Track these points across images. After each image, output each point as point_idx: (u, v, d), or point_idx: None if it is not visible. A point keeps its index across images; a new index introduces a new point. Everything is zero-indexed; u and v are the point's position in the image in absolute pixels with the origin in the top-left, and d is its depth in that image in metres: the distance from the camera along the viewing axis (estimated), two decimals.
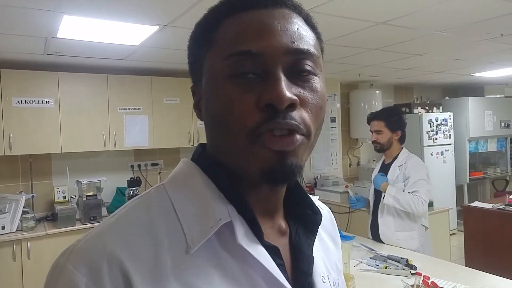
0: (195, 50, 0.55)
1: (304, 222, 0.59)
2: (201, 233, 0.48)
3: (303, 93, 0.49)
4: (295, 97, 0.46)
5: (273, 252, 0.51)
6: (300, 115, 0.48)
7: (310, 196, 0.62)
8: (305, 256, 0.56)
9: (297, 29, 0.50)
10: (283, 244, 0.55)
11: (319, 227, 0.59)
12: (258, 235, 0.50)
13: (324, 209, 0.68)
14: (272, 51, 0.47)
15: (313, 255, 0.57)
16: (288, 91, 0.46)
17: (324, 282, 0.57)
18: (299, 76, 0.49)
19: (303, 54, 0.49)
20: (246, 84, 0.47)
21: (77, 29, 2.63)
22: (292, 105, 0.46)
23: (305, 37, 0.50)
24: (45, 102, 3.57)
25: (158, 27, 2.65)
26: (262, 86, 0.47)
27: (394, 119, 2.58)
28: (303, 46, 0.49)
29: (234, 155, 0.50)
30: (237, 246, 0.48)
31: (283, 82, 0.46)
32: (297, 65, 0.49)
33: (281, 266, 0.51)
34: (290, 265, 0.55)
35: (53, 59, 3.44)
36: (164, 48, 3.26)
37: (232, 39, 0.49)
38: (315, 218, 0.59)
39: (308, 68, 0.50)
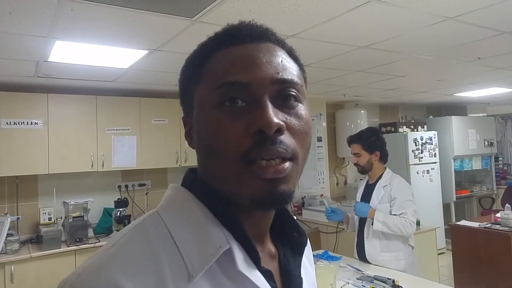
0: (186, 83, 0.58)
1: (291, 244, 0.61)
2: (201, 261, 0.48)
3: (289, 119, 0.52)
4: (282, 123, 0.49)
5: (267, 276, 0.53)
6: (287, 140, 0.50)
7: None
8: (294, 278, 0.59)
9: (281, 61, 0.54)
10: (274, 267, 0.57)
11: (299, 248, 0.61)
12: (255, 260, 0.52)
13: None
14: (259, 81, 0.51)
15: (301, 276, 0.60)
16: (275, 117, 0.49)
17: None
18: (285, 104, 0.52)
19: (288, 83, 0.53)
20: (235, 112, 0.50)
21: (68, 53, 2.66)
22: (279, 130, 0.49)
23: (288, 68, 0.54)
24: (33, 123, 3.57)
25: (147, 51, 2.71)
26: (251, 113, 0.50)
27: (371, 141, 2.61)
28: (287, 76, 0.53)
29: (225, 180, 0.51)
30: (237, 271, 0.49)
31: (270, 109, 0.50)
32: (282, 93, 0.52)
33: None
34: (281, 287, 0.57)
35: (43, 81, 3.47)
36: (153, 71, 3.31)
37: (221, 71, 0.52)
38: (301, 239, 0.61)
39: (293, 93, 0.53)
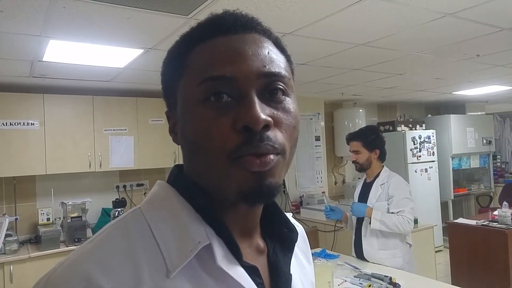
0: (168, 76, 0.56)
1: (281, 240, 0.60)
2: (180, 257, 0.48)
3: (277, 114, 0.50)
4: (269, 118, 0.48)
5: (252, 271, 0.52)
6: (274, 135, 0.49)
7: (285, 213, 0.63)
8: (283, 274, 0.57)
9: (268, 53, 0.52)
10: (261, 263, 0.56)
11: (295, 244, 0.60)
12: (237, 256, 0.51)
13: (299, 226, 0.69)
14: (244, 75, 0.49)
15: (290, 272, 0.58)
16: (263, 113, 0.48)
17: None
18: (272, 98, 0.51)
19: (275, 76, 0.51)
20: (220, 107, 0.49)
21: (63, 53, 2.65)
22: (267, 126, 0.48)
23: (275, 61, 0.52)
24: (30, 124, 3.56)
25: (142, 50, 2.70)
26: (237, 109, 0.48)
27: (371, 139, 2.62)
28: (275, 69, 0.51)
29: (212, 176, 0.50)
30: (217, 267, 0.49)
31: (257, 104, 0.48)
32: (269, 87, 0.51)
33: (260, 285, 0.52)
34: (269, 283, 0.56)
35: (38, 81, 3.46)
36: (149, 70, 3.30)
37: (205, 65, 0.50)
38: (291, 236, 0.60)
39: (280, 87, 0.51)
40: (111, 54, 2.74)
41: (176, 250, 0.48)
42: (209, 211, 0.52)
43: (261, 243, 0.58)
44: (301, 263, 0.67)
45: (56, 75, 3.29)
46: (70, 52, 2.65)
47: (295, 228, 0.61)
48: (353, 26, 2.44)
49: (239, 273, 0.50)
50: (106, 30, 2.27)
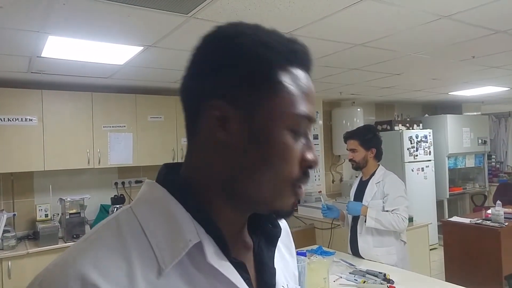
0: (245, 70, 0.53)
1: (266, 235, 0.63)
2: (172, 255, 0.50)
3: None
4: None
5: (240, 267, 0.54)
6: None
7: None
8: (268, 268, 0.61)
9: None
10: (248, 258, 0.60)
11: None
12: (226, 253, 0.54)
13: (283, 222, 0.72)
14: (314, 119, 0.58)
15: (275, 266, 0.62)
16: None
17: None
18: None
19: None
20: (297, 140, 0.55)
21: (62, 49, 2.66)
22: None
23: None
24: (28, 120, 3.57)
25: (142, 48, 2.72)
26: (304, 146, 0.56)
27: (368, 138, 2.65)
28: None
29: (267, 191, 0.54)
30: (207, 264, 0.51)
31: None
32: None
33: (247, 280, 0.55)
34: (255, 277, 0.59)
35: (37, 77, 3.46)
36: (149, 67, 3.32)
37: (297, 98, 0.54)
38: (275, 231, 0.64)
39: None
40: (111, 51, 2.76)
41: (167, 248, 0.50)
42: (200, 211, 0.54)
43: (248, 239, 0.61)
44: (284, 257, 0.70)
45: (55, 71, 3.30)
46: (70, 49, 2.65)
47: (278, 223, 0.65)
48: (351, 27, 2.47)
49: (228, 270, 0.53)
50: (106, 27, 2.28)
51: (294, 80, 0.55)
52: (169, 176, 0.58)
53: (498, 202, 3.93)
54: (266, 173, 0.54)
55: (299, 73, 0.56)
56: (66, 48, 2.64)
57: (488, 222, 3.79)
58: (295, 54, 0.56)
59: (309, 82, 0.57)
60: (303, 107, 0.54)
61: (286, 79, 0.54)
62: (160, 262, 0.49)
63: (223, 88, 0.54)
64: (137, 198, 0.58)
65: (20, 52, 2.71)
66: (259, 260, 0.61)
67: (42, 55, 2.78)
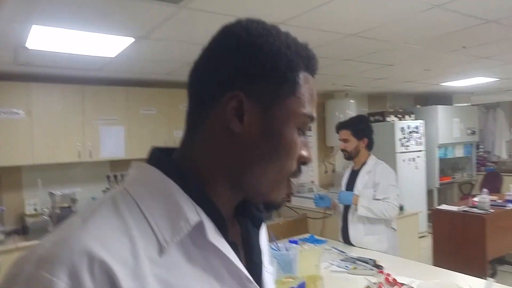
0: (276, 65, 0.56)
1: (251, 218, 0.67)
2: (173, 233, 0.51)
3: None
4: None
5: (234, 247, 0.57)
6: None
7: None
8: (255, 248, 0.65)
9: None
10: (238, 239, 0.62)
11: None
12: (224, 233, 0.56)
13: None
14: (315, 119, 0.62)
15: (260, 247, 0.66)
16: None
17: (267, 272, 0.67)
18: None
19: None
20: (300, 138, 0.60)
21: (48, 40, 2.57)
22: None
23: None
24: (14, 113, 3.50)
25: (133, 39, 2.68)
26: (302, 143, 0.60)
27: (360, 128, 2.68)
28: None
29: (268, 181, 0.58)
30: (208, 242, 0.53)
31: None
32: None
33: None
34: (244, 257, 0.62)
35: (24, 69, 3.39)
36: (140, 59, 3.28)
37: (307, 99, 0.60)
38: (259, 215, 0.67)
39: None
40: (101, 43, 2.70)
41: (168, 227, 0.51)
42: (201, 192, 0.55)
43: (236, 222, 0.65)
44: (263, 236, 0.74)
45: (42, 63, 3.23)
46: (56, 40, 2.57)
47: (261, 209, 0.69)
48: (343, 16, 2.46)
49: (226, 248, 0.55)
50: (93, 17, 2.22)
51: (307, 82, 0.59)
52: (166, 159, 0.58)
53: (484, 190, 4.06)
54: (272, 166, 0.58)
55: (310, 77, 0.61)
56: (53, 39, 2.56)
57: (474, 210, 3.91)
58: (310, 60, 0.60)
59: (313, 86, 0.61)
60: (310, 108, 0.60)
61: (302, 81, 0.58)
62: (161, 241, 0.50)
63: (244, 82, 0.56)
64: (130, 179, 0.57)
65: (1, 42, 2.61)
66: (247, 240, 0.64)
67: (27, 46, 2.69)
